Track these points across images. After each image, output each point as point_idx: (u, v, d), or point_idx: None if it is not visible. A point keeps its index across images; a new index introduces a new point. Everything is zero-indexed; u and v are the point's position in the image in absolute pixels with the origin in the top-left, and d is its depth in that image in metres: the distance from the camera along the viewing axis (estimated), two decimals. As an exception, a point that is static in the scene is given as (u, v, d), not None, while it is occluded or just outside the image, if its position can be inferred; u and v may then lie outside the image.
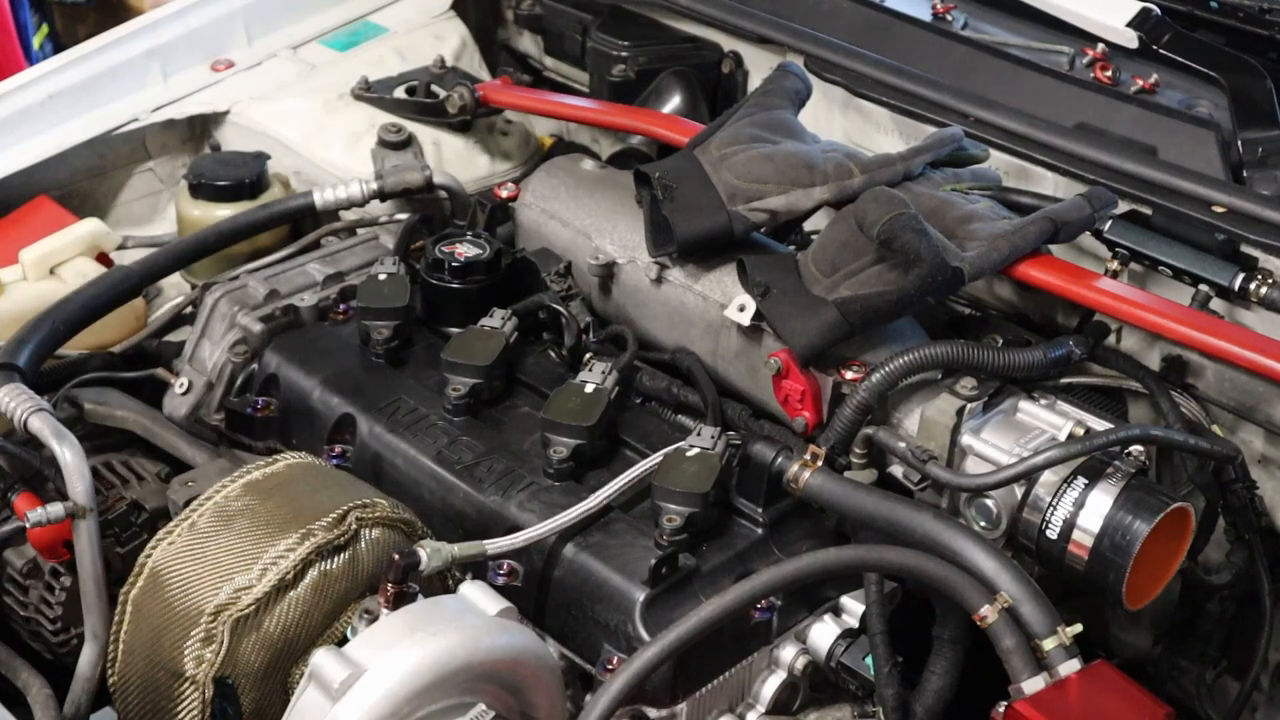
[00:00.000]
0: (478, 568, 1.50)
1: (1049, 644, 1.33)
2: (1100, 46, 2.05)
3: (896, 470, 1.57)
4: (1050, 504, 1.47)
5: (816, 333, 1.56)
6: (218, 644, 1.36)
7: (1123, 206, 1.73)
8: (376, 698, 1.24)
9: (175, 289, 2.03)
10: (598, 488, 1.52)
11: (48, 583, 1.68)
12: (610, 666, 1.42)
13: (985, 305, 1.82)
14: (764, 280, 1.63)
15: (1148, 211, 1.74)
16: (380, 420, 1.69)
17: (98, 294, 1.81)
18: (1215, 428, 1.62)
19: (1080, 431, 1.51)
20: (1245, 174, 1.81)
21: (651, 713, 1.43)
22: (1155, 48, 2.01)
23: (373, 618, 1.33)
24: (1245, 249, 1.66)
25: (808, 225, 1.91)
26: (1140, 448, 1.50)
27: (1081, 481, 1.46)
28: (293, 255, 1.96)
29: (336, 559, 1.40)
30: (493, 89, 2.19)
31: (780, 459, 1.51)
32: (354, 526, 1.42)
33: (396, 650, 1.26)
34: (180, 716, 1.39)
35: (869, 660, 1.47)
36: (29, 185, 2.06)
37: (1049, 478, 1.48)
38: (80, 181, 2.15)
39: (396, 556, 1.33)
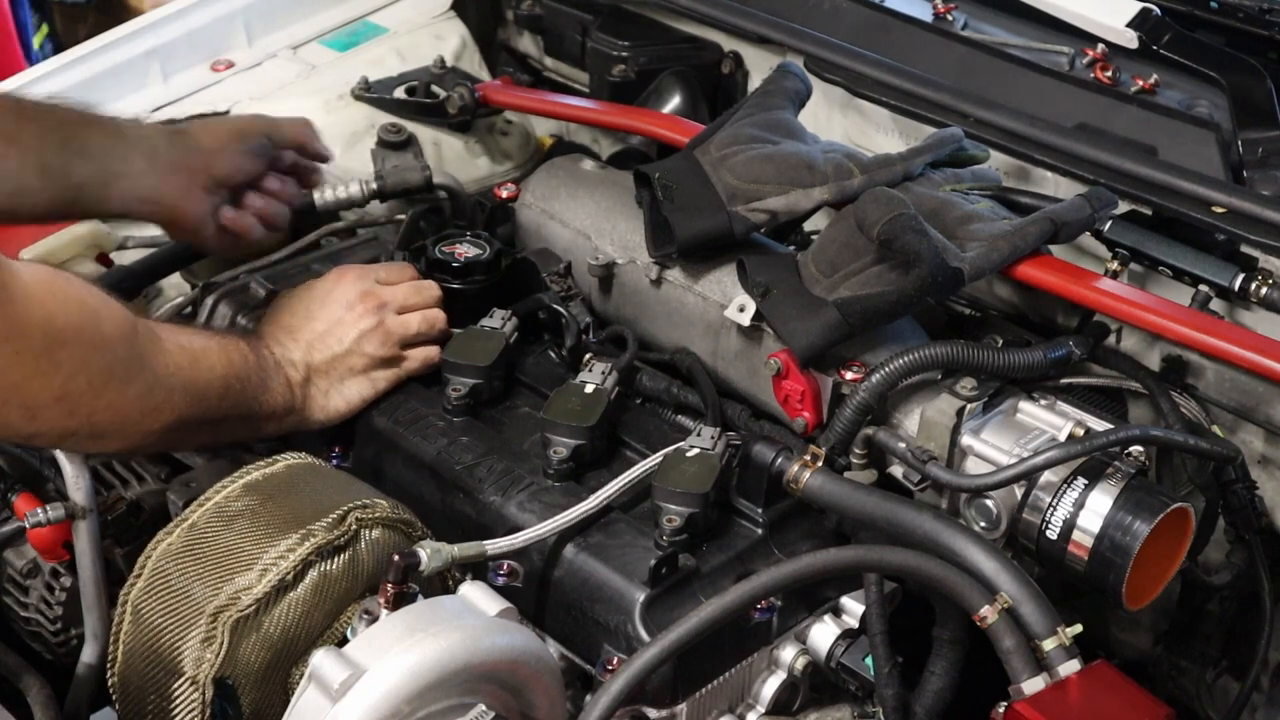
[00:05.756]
0: (478, 568, 1.50)
1: (1049, 644, 1.33)
2: (1100, 46, 2.04)
3: (896, 470, 1.57)
4: (1050, 504, 1.47)
5: (816, 333, 1.56)
6: (217, 644, 1.36)
7: (1123, 206, 1.73)
8: (376, 698, 1.24)
9: (175, 289, 2.03)
10: (598, 488, 1.52)
11: (48, 583, 1.68)
12: (610, 667, 1.42)
13: (985, 305, 1.82)
14: (764, 280, 1.63)
15: (1148, 211, 1.74)
16: (380, 420, 1.69)
17: (97, 294, 1.81)
18: (1215, 428, 1.62)
19: (1080, 432, 1.51)
20: (1245, 174, 1.81)
21: (651, 713, 1.43)
22: (1155, 48, 2.01)
23: (373, 618, 1.33)
24: (1245, 249, 1.66)
25: (808, 225, 1.91)
26: (1140, 448, 1.50)
27: (1081, 482, 1.46)
28: (293, 255, 1.96)
29: (336, 559, 1.40)
30: (493, 89, 2.19)
31: (780, 459, 1.51)
32: (354, 527, 1.42)
33: (396, 651, 1.26)
34: (180, 717, 1.39)
35: (869, 660, 1.47)
36: (29, 185, 2.05)
37: (1049, 478, 1.48)
38: (80, 181, 2.15)
39: (396, 557, 1.33)
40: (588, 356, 1.72)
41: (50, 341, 1.32)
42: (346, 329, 1.67)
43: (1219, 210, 1.69)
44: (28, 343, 1.30)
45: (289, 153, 1.93)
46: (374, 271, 1.74)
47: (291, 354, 1.64)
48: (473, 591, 1.36)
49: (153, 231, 2.14)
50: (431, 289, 1.76)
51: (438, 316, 1.73)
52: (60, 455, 1.55)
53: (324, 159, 1.94)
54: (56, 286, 1.35)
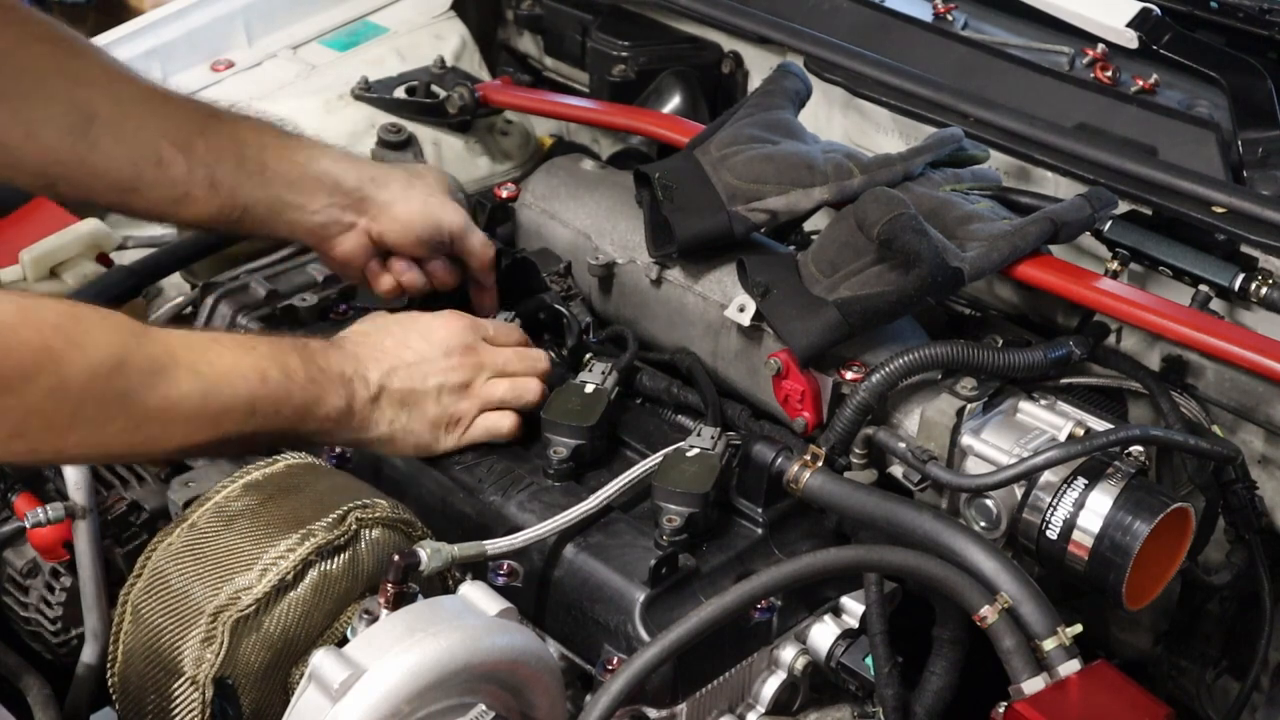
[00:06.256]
0: (478, 568, 1.50)
1: (1049, 644, 1.33)
2: (1100, 46, 2.04)
3: (896, 470, 1.57)
4: (1050, 504, 1.47)
5: (816, 333, 1.56)
6: (218, 644, 1.36)
7: (1123, 206, 1.73)
8: (376, 698, 1.24)
9: (175, 289, 2.02)
10: (598, 488, 1.52)
11: (48, 583, 1.68)
12: (610, 667, 1.42)
13: (985, 305, 1.82)
14: (764, 280, 1.63)
15: (1148, 211, 1.74)
16: (380, 420, 1.69)
17: (97, 294, 1.81)
18: (1215, 428, 1.62)
19: (1080, 432, 1.51)
20: (1245, 174, 1.81)
21: (651, 713, 1.43)
22: (1155, 48, 2.01)
23: (373, 618, 1.33)
24: (1245, 249, 1.66)
25: (808, 225, 1.91)
26: (1140, 448, 1.50)
27: (1081, 482, 1.46)
28: (293, 255, 1.96)
29: (336, 559, 1.40)
30: (493, 89, 2.19)
31: (780, 459, 1.51)
32: (354, 527, 1.42)
33: (396, 651, 1.26)
34: (180, 716, 1.39)
35: (869, 660, 1.47)
36: (29, 185, 2.05)
37: (1049, 478, 1.48)
38: (80, 181, 2.15)
39: (396, 557, 1.33)
40: (588, 356, 1.72)
41: None
42: (434, 372, 1.59)
43: (1219, 210, 1.69)
44: None
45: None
46: (485, 327, 1.67)
47: (368, 371, 1.55)
48: (473, 591, 1.36)
49: (153, 231, 2.14)
50: (537, 360, 1.67)
51: (530, 388, 1.64)
52: (60, 455, 1.55)
53: (484, 287, 1.84)
54: (10, 332, 1.28)
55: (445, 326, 1.64)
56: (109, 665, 1.45)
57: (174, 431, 1.40)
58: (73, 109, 1.56)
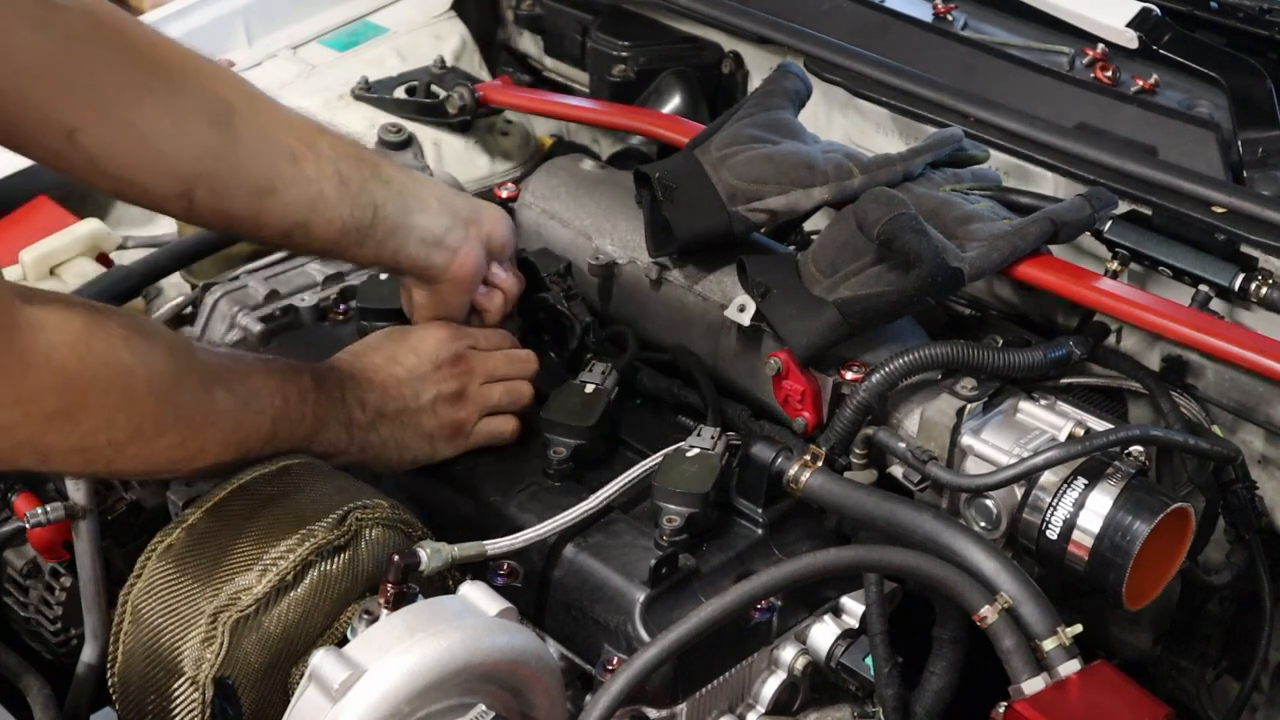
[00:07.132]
0: (478, 568, 1.50)
1: (1049, 644, 1.33)
2: (1100, 46, 2.05)
3: (896, 470, 1.57)
4: (1050, 504, 1.47)
5: (816, 333, 1.56)
6: (217, 644, 1.36)
7: (1123, 206, 1.73)
8: (376, 698, 1.24)
9: (175, 289, 2.03)
10: (598, 488, 1.52)
11: (48, 583, 1.68)
12: (610, 667, 1.42)
13: (985, 305, 1.82)
14: (764, 280, 1.63)
15: (1148, 211, 1.74)
16: (380, 420, 1.69)
17: (97, 294, 1.81)
18: (1215, 428, 1.62)
19: (1080, 432, 1.51)
20: (1245, 174, 1.81)
21: (651, 713, 1.43)
22: (1155, 48, 2.01)
23: (373, 618, 1.33)
24: (1245, 249, 1.66)
25: (808, 225, 1.91)
26: (1140, 448, 1.50)
27: (1081, 482, 1.46)
28: (291, 256, 1.96)
29: (336, 559, 1.40)
30: (493, 89, 2.20)
31: (780, 459, 1.51)
32: (354, 527, 1.42)
33: (396, 651, 1.26)
34: (180, 716, 1.39)
35: (869, 660, 1.47)
36: (29, 185, 2.05)
37: (1049, 478, 1.48)
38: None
39: (396, 557, 1.33)
40: (588, 356, 1.72)
41: (66, 404, 1.26)
42: (427, 386, 1.59)
43: (1219, 210, 1.69)
44: (39, 406, 1.24)
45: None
46: (473, 335, 1.66)
47: (365, 394, 1.55)
48: (473, 591, 1.36)
49: (153, 231, 2.14)
50: (527, 361, 1.68)
51: (523, 391, 1.65)
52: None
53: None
54: (84, 347, 1.27)
55: (433, 337, 1.63)
56: (109, 665, 1.45)
57: (210, 448, 1.41)
58: (213, 100, 1.49)
